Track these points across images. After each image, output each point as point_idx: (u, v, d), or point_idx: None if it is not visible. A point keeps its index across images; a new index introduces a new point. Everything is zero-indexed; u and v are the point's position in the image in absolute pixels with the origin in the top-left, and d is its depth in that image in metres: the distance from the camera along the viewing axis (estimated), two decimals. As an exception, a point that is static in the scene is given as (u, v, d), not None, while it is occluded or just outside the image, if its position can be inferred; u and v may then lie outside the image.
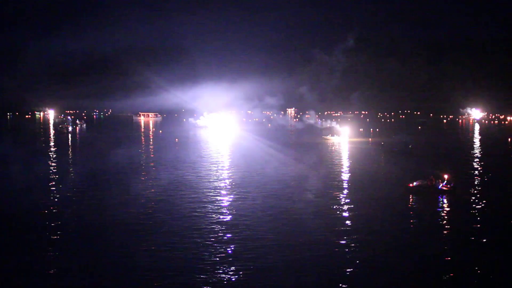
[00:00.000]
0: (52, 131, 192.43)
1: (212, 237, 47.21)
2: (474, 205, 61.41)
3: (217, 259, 41.58)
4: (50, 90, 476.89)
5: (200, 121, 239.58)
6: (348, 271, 39.07)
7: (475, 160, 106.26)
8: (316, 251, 43.51)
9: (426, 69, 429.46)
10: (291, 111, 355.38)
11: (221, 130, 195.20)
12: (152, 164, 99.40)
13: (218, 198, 64.51)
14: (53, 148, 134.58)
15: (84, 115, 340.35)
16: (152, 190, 70.65)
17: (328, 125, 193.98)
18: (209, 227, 50.71)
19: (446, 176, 68.94)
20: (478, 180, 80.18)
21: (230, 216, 55.08)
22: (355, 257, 42.15)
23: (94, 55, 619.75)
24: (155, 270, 39.12)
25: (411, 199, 65.18)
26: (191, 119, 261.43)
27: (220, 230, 49.69)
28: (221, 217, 54.72)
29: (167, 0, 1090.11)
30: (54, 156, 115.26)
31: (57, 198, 66.22)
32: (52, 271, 39.51)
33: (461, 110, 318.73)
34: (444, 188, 67.20)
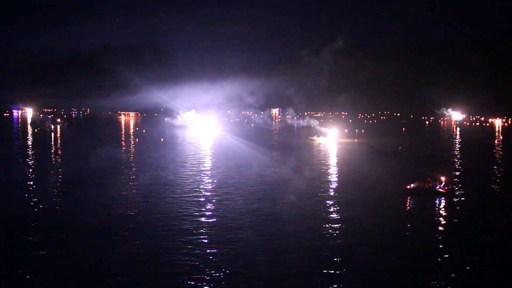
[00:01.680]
0: (34, 130, 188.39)
1: (191, 240, 46.29)
2: (472, 207, 61.45)
3: (196, 263, 40.68)
4: (27, 88, 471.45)
5: (177, 121, 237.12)
6: (337, 276, 38.61)
7: (466, 161, 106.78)
8: (302, 256, 42.95)
9: (404, 71, 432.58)
10: (275, 111, 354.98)
11: (200, 130, 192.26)
12: (133, 165, 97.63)
13: (199, 200, 63.03)
14: (40, 147, 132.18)
15: (64, 114, 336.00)
16: (134, 191, 69.74)
17: (311, 125, 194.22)
18: (188, 230, 49.47)
19: (443, 178, 68.94)
20: (472, 181, 79.98)
21: (211, 219, 53.84)
22: (345, 262, 41.67)
23: (71, 54, 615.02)
24: (131, 276, 38.53)
25: (408, 201, 64.83)
26: (167, 119, 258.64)
27: (200, 233, 48.62)
28: (202, 219, 53.58)
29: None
30: (43, 155, 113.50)
31: (37, 198, 64.92)
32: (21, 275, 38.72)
33: (436, 111, 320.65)
34: (442, 190, 67.09)
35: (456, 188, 70.35)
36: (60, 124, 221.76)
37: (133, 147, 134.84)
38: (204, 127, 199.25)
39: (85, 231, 49.42)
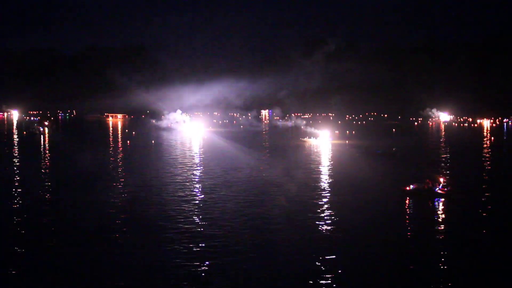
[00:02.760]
0: (23, 133, 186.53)
1: (178, 247, 45.35)
2: (471, 208, 61.45)
3: (184, 271, 39.76)
4: (12, 91, 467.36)
5: (163, 122, 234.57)
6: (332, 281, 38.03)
7: (461, 162, 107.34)
8: (292, 259, 42.63)
9: (389, 72, 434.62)
10: (264, 112, 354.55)
11: (188, 132, 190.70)
12: (122, 169, 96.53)
13: (185, 206, 61.57)
14: (30, 149, 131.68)
15: (50, 116, 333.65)
16: (124, 195, 68.87)
17: (301, 126, 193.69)
18: (176, 236, 48.54)
19: (442, 180, 68.75)
20: (469, 182, 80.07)
21: (199, 225, 52.72)
22: (341, 264, 41.35)
23: (56, 56, 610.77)
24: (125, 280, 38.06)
25: (407, 202, 64.70)
26: (153, 120, 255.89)
27: (188, 240, 47.44)
28: (189, 226, 52.25)
29: (136, 2, 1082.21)
30: (34, 157, 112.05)
31: (25, 203, 64.21)
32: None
33: (421, 112, 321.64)
34: (441, 191, 66.78)
35: (455, 190, 69.85)
36: (48, 126, 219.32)
37: (123, 150, 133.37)
38: (192, 129, 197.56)
39: (75, 236, 48.75)
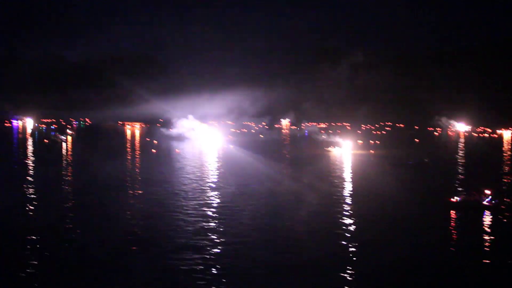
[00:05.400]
0: (45, 141, 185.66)
1: (200, 259, 44.70)
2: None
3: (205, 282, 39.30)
4: (26, 99, 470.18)
5: (176, 130, 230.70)
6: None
7: (495, 173, 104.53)
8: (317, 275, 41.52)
9: (402, 81, 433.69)
10: (285, 122, 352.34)
11: (204, 141, 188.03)
12: (139, 179, 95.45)
13: (207, 217, 60.60)
14: (54, 158, 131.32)
15: (66, 124, 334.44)
16: (141, 205, 68.18)
17: (323, 136, 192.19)
18: (198, 245, 48.15)
19: (488, 192, 66.96)
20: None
21: (221, 238, 51.67)
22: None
23: (70, 65, 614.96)
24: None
25: (453, 215, 63.09)
26: (163, 129, 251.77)
27: (211, 253, 46.68)
28: (212, 238, 51.54)
29: (150, 11, 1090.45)
30: (60, 166, 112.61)
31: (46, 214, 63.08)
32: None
33: (438, 121, 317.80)
34: (488, 204, 65.08)
35: (502, 202, 67.88)
36: (70, 135, 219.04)
37: (149, 158, 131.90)
38: (208, 138, 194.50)
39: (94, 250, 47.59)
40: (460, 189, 72.50)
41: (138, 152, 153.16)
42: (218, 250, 47.02)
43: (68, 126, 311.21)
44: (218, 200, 71.41)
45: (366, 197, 75.01)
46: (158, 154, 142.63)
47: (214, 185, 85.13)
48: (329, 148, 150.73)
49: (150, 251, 47.25)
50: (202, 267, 42.45)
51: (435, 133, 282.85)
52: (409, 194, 75.24)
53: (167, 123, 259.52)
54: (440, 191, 74.79)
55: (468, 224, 60.33)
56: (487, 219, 61.46)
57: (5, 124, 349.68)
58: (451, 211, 64.03)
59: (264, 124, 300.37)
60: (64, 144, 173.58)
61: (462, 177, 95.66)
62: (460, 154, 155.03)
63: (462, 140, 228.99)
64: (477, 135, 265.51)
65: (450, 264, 44.34)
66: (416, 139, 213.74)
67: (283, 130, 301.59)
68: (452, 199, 66.94)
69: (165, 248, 47.86)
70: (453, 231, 56.59)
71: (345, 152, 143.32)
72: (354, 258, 45.27)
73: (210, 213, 61.95)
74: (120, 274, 41.50)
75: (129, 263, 44.07)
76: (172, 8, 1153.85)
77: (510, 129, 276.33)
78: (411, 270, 42.76)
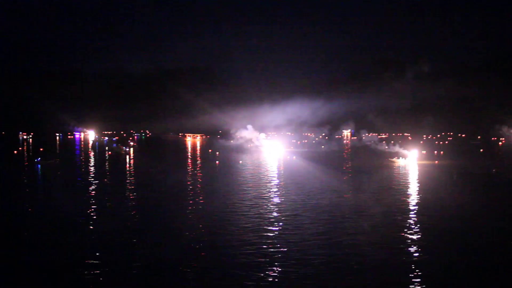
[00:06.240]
0: (108, 152, 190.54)
1: (253, 272, 44.12)
2: None
3: None
4: (87, 111, 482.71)
5: (234, 142, 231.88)
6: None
7: None
8: None
9: (460, 91, 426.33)
10: (346, 132, 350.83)
11: (266, 152, 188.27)
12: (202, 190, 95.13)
13: (267, 228, 60.16)
14: (121, 169, 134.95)
15: (128, 136, 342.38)
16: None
17: (386, 146, 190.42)
18: (256, 260, 47.38)
19: None
20: None
21: (279, 250, 50.85)
22: None
23: (127, 77, 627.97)
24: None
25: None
26: (222, 140, 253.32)
27: (268, 264, 46.30)
28: (270, 250, 50.91)
29: (211, 25, 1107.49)
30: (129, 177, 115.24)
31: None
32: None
33: (503, 131, 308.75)
34: None
35: None
36: (132, 146, 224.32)
37: (213, 170, 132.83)
38: (269, 149, 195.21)
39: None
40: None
41: (201, 163, 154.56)
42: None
43: (129, 137, 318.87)
44: (282, 213, 70.46)
45: (433, 209, 72.19)
46: (221, 165, 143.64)
47: (277, 196, 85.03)
48: (394, 159, 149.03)
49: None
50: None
51: (499, 143, 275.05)
52: (479, 207, 72.60)
53: (227, 134, 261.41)
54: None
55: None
56: None
57: (69, 137, 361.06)
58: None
59: (324, 134, 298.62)
60: (127, 156, 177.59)
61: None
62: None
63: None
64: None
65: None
66: (481, 149, 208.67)
67: (344, 141, 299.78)
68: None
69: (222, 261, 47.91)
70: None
71: (410, 163, 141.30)
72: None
73: (270, 234, 59.78)
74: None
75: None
76: (233, 22, 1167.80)
77: None
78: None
